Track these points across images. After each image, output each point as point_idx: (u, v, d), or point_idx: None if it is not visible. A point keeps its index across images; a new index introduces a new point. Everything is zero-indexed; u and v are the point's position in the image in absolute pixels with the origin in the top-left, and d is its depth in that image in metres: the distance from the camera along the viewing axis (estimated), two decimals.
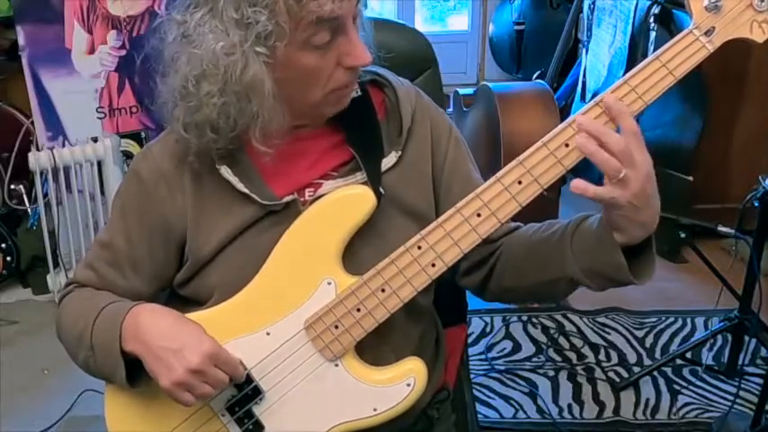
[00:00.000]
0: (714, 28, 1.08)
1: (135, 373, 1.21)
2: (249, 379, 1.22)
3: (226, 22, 1.08)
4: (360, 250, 1.22)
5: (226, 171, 1.21)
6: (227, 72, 1.10)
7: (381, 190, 1.22)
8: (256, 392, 1.23)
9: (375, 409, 1.21)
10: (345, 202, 1.20)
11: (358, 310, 1.18)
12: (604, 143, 1.05)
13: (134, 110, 3.18)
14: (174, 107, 1.17)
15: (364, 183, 1.22)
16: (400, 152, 1.26)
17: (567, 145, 1.10)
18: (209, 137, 1.16)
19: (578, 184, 1.05)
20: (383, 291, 1.17)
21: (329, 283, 1.20)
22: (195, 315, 1.25)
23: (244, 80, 1.10)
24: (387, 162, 1.25)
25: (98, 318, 1.22)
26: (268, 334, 1.22)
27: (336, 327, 1.19)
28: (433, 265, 1.16)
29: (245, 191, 1.21)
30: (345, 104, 1.22)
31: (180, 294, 1.32)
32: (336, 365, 1.22)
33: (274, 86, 1.12)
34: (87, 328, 1.22)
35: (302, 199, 1.24)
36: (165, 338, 1.16)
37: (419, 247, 1.16)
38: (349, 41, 1.14)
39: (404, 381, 1.22)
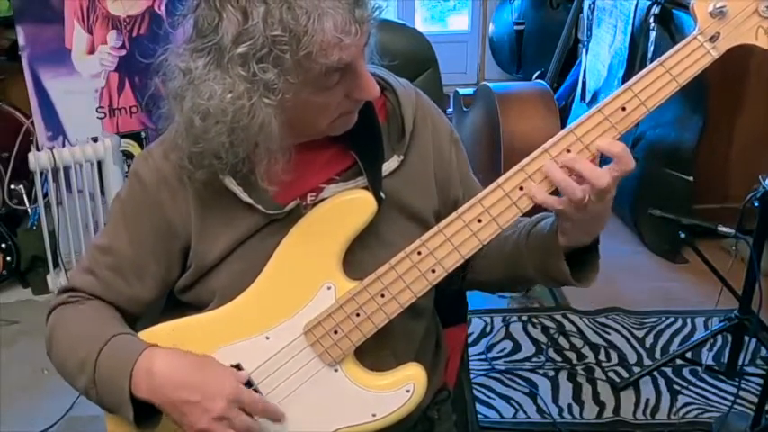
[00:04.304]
0: (719, 34, 1.07)
1: (140, 411, 1.18)
2: (248, 383, 1.21)
3: (233, 76, 1.06)
4: (360, 255, 1.22)
5: (230, 182, 1.21)
6: (235, 118, 1.08)
7: (382, 194, 1.22)
8: None
9: (374, 415, 1.21)
10: (346, 206, 1.20)
11: (357, 315, 1.18)
12: (591, 183, 1.07)
13: (134, 110, 3.18)
14: (179, 136, 1.16)
15: (365, 187, 1.22)
16: (402, 156, 1.26)
17: (568, 151, 1.10)
18: (213, 164, 1.15)
19: (532, 188, 1.11)
20: (382, 296, 1.17)
21: (329, 288, 1.20)
22: (194, 318, 1.26)
23: (252, 128, 1.08)
24: (389, 166, 1.25)
25: (103, 350, 1.19)
26: (267, 338, 1.22)
27: (336, 332, 1.19)
28: (433, 271, 1.16)
29: (250, 201, 1.21)
30: (352, 124, 1.20)
31: (179, 299, 1.31)
32: (336, 370, 1.22)
33: (282, 128, 1.10)
34: (91, 357, 1.19)
35: (304, 203, 1.23)
36: (185, 389, 1.15)
37: (419, 253, 1.16)
38: (357, 77, 1.12)
39: (403, 387, 1.22)
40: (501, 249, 1.28)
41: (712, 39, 1.07)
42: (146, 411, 1.18)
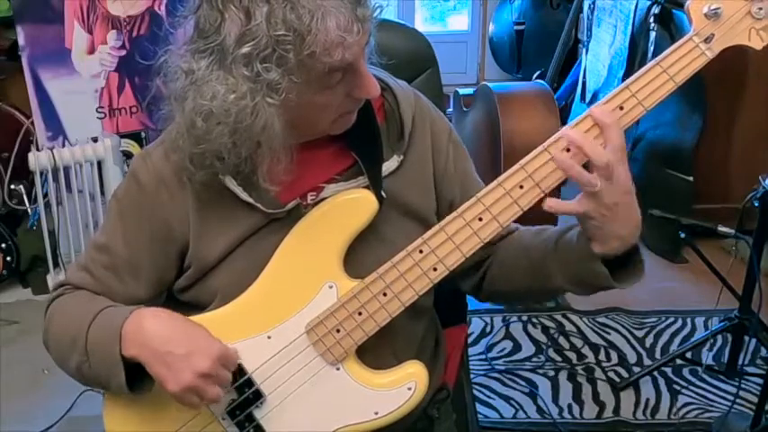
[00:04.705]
0: (713, 35, 1.09)
1: (133, 380, 1.19)
2: (250, 382, 1.22)
3: (236, 76, 1.06)
4: (361, 254, 1.22)
5: (230, 181, 1.21)
6: (238, 118, 1.08)
7: (383, 194, 1.22)
8: (257, 396, 1.23)
9: (376, 413, 1.22)
10: (347, 205, 1.21)
11: (359, 313, 1.19)
12: (588, 155, 1.07)
13: (134, 110, 3.18)
14: (180, 137, 1.16)
15: (366, 187, 1.22)
16: (402, 156, 1.26)
17: (568, 149, 1.10)
18: (214, 165, 1.15)
19: (550, 202, 1.10)
20: (385, 294, 1.18)
21: (331, 287, 1.20)
22: (196, 318, 1.25)
23: (255, 128, 1.09)
24: (389, 166, 1.25)
25: (94, 321, 1.20)
26: (269, 338, 1.22)
27: (338, 330, 1.20)
28: (435, 269, 1.16)
29: (250, 200, 1.21)
30: (351, 124, 1.21)
31: (178, 299, 1.31)
32: (338, 369, 1.22)
33: (285, 128, 1.10)
34: (82, 330, 1.20)
35: (304, 203, 1.23)
36: (172, 343, 1.15)
37: (421, 251, 1.16)
38: (359, 76, 1.12)
39: (405, 384, 1.22)
40: (524, 260, 1.27)
41: (707, 39, 1.09)
42: (140, 380, 1.18)
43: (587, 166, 1.09)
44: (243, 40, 1.04)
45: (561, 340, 2.93)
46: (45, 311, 1.30)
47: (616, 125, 1.08)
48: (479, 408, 2.48)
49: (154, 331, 1.16)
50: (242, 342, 1.22)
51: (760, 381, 2.45)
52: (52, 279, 3.15)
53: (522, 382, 2.70)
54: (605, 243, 1.13)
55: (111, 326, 1.18)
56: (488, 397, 2.62)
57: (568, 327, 3.01)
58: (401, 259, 1.17)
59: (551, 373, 2.75)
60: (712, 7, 1.08)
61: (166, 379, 1.14)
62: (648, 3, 3.42)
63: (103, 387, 1.24)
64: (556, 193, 1.14)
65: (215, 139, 1.11)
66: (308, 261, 1.21)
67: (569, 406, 2.58)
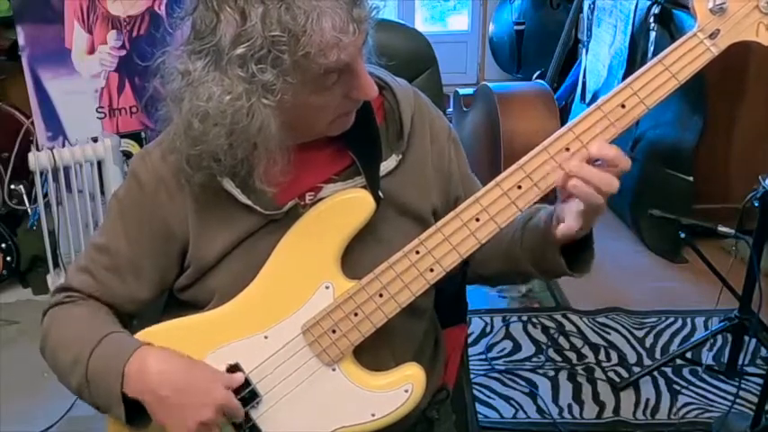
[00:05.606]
0: (719, 30, 1.06)
1: (132, 412, 1.18)
2: (247, 382, 1.22)
3: (231, 77, 1.06)
4: (359, 254, 1.22)
5: (228, 183, 1.20)
6: (234, 119, 1.08)
7: (380, 194, 1.22)
8: (253, 396, 1.22)
9: (373, 415, 1.21)
10: (344, 205, 1.20)
11: (355, 314, 1.18)
12: (599, 188, 1.08)
13: (134, 110, 3.18)
14: (177, 138, 1.16)
15: (364, 186, 1.22)
16: (401, 156, 1.26)
17: (567, 149, 1.09)
18: (211, 166, 1.15)
19: (560, 229, 1.13)
20: (381, 295, 1.17)
21: (327, 287, 1.20)
22: (194, 318, 1.25)
23: (251, 129, 1.08)
24: (387, 165, 1.25)
25: (97, 348, 1.19)
26: (266, 338, 1.22)
27: (334, 331, 1.19)
28: (432, 270, 1.16)
29: (248, 202, 1.21)
30: (350, 125, 1.20)
31: (178, 298, 1.31)
32: (334, 370, 1.21)
33: (281, 129, 1.10)
34: (83, 355, 1.19)
35: (302, 203, 1.23)
36: (176, 390, 1.15)
37: (417, 252, 1.15)
38: (356, 77, 1.12)
39: (402, 386, 1.21)
40: (498, 245, 1.28)
41: (712, 35, 1.07)
42: (138, 410, 1.18)
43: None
44: (238, 41, 1.04)
45: (561, 340, 2.93)
46: (43, 316, 1.29)
47: (620, 152, 1.09)
48: (479, 408, 2.48)
49: (157, 375, 1.16)
50: (239, 342, 1.22)
51: (760, 381, 2.44)
52: (52, 279, 3.15)
53: (522, 382, 2.69)
54: (570, 233, 1.15)
55: (115, 358, 1.18)
56: (488, 397, 2.62)
57: (568, 327, 3.01)
58: (398, 260, 1.16)
59: (551, 373, 2.74)
60: (718, 2, 1.06)
61: (169, 425, 1.16)
62: (648, 3, 3.42)
63: (102, 411, 1.24)
64: (554, 193, 1.14)
65: (212, 140, 1.10)
66: (304, 261, 1.20)
67: (569, 406, 2.58)
